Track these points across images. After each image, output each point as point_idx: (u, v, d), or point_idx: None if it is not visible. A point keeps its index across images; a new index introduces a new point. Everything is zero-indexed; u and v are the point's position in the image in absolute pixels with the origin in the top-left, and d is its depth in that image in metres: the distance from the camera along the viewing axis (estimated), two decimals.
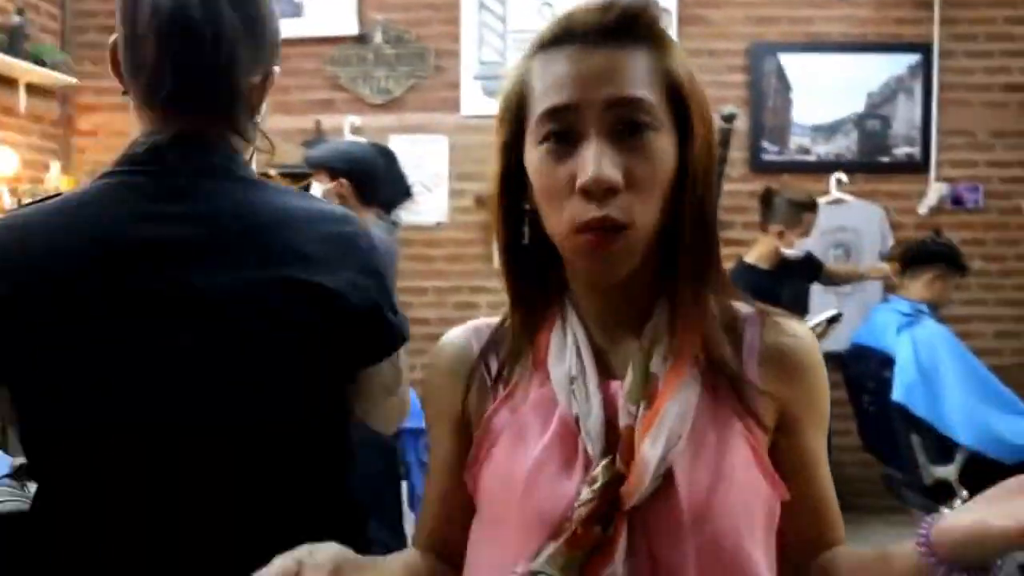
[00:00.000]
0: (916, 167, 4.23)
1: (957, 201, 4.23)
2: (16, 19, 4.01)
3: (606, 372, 0.77)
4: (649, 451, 0.70)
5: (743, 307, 0.81)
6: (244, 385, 0.95)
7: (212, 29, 1.01)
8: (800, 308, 3.37)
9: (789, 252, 3.40)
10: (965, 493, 2.77)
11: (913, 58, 4.19)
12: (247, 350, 0.95)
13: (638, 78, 0.71)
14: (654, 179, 0.71)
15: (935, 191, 4.18)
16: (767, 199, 3.45)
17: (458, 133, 4.28)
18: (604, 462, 0.71)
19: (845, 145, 4.24)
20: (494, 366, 0.82)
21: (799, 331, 0.81)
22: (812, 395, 0.80)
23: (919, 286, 3.39)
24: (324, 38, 4.36)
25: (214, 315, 0.94)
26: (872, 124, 4.23)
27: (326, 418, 1.01)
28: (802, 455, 0.80)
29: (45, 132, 4.39)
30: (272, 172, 4.18)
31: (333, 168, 2.97)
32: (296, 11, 4.38)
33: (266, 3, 1.13)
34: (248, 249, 0.97)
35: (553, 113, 0.71)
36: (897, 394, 2.90)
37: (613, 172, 0.69)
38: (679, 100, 0.74)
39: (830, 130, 4.24)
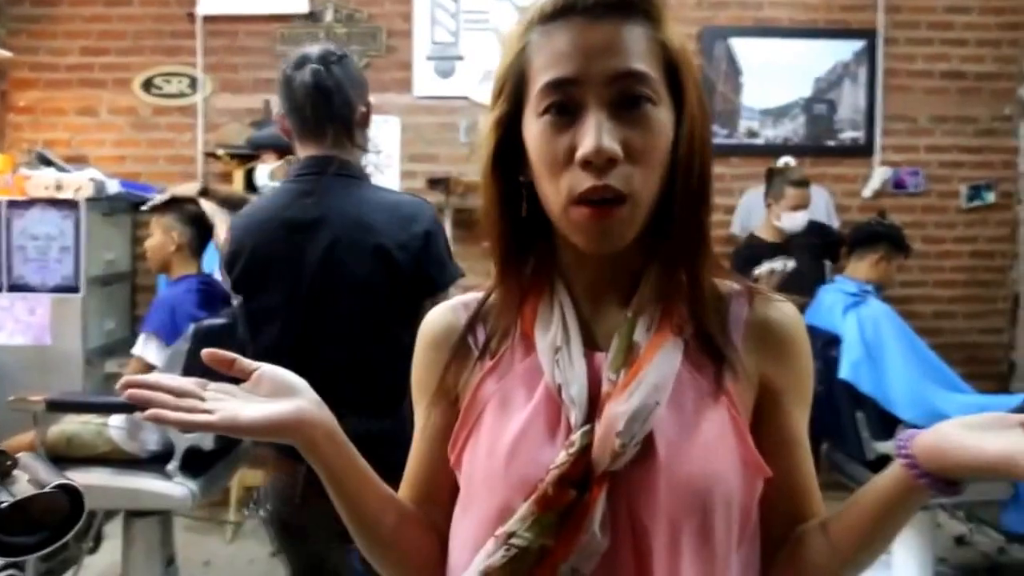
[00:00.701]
0: (861, 151, 4.33)
1: (899, 185, 4.34)
2: None
3: (592, 343, 0.78)
4: (616, 409, 0.71)
5: (731, 284, 0.82)
6: (351, 296, 1.69)
7: (335, 87, 1.73)
8: (804, 281, 3.43)
9: (784, 224, 3.55)
10: None
11: (858, 44, 4.27)
12: (346, 281, 1.68)
13: (638, 51, 0.72)
14: (653, 151, 0.72)
15: (879, 175, 4.29)
16: (768, 176, 3.68)
17: (410, 114, 4.24)
18: (583, 428, 0.72)
19: (792, 129, 4.31)
20: (481, 339, 0.82)
21: (785, 309, 0.82)
22: (795, 372, 0.81)
23: (865, 267, 3.47)
24: (273, 16, 4.27)
25: (322, 264, 1.68)
26: (819, 108, 4.31)
27: (395, 328, 1.66)
28: (782, 431, 0.80)
29: None
30: (220, 152, 4.11)
31: (279, 146, 2.97)
32: None
33: (356, 62, 1.87)
34: (341, 222, 1.68)
35: (555, 85, 0.72)
36: (843, 372, 2.97)
37: (613, 144, 0.70)
38: (675, 73, 0.74)
39: (778, 114, 4.31)
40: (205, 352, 0.76)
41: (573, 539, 0.71)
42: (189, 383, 0.73)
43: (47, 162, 3.91)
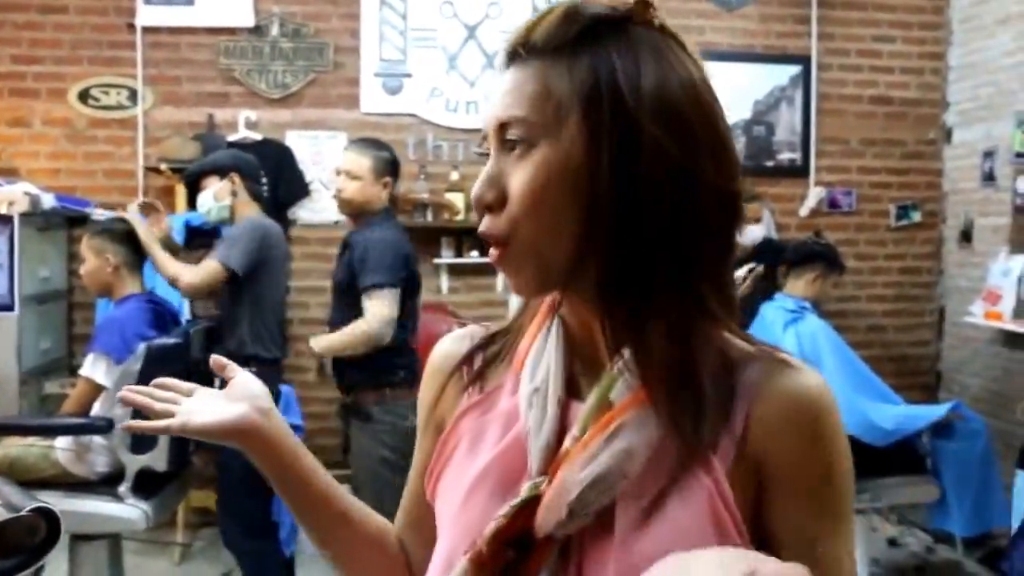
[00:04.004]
0: (798, 171, 4.50)
1: (833, 204, 4.52)
2: None
3: (577, 391, 0.71)
4: (573, 475, 0.64)
5: (746, 346, 0.71)
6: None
7: None
8: (766, 291, 3.52)
9: (743, 239, 3.61)
10: None
11: (794, 69, 4.45)
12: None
13: (520, 96, 0.68)
14: (532, 192, 0.66)
15: (814, 194, 4.46)
16: None
17: (357, 130, 4.22)
18: (533, 481, 0.67)
19: None
20: (476, 363, 0.79)
21: (805, 380, 0.69)
22: (808, 457, 0.67)
23: (802, 284, 3.60)
24: (217, 28, 4.21)
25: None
26: (758, 130, 4.46)
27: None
28: (786, 529, 0.67)
29: None
30: (163, 167, 4.02)
31: (220, 167, 2.96)
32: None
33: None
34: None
35: (484, 135, 0.73)
36: None
37: (481, 189, 0.70)
38: (568, 104, 0.67)
39: None
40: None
41: None
42: (183, 387, 0.85)
43: None
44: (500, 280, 4.29)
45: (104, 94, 4.21)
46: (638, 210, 0.65)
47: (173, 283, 2.81)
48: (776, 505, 0.67)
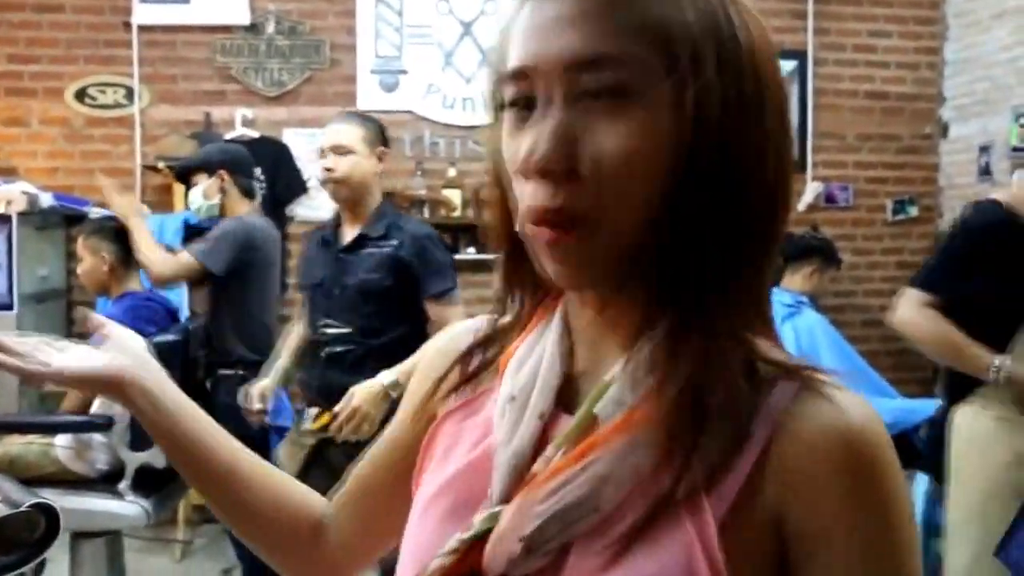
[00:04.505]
0: (795, 166, 4.49)
1: (830, 199, 4.53)
2: None
3: (569, 401, 0.59)
4: (529, 504, 0.54)
5: (781, 363, 0.56)
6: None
7: None
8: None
9: None
10: None
11: (790, 64, 4.45)
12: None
13: (615, 28, 0.52)
14: (631, 161, 0.52)
15: (811, 190, 4.47)
16: None
17: None
18: (492, 510, 0.56)
19: None
20: (473, 363, 0.68)
21: (853, 411, 0.53)
22: (849, 518, 0.51)
23: (799, 279, 3.62)
24: (213, 26, 4.21)
25: None
26: None
27: None
28: None
29: None
30: (160, 165, 4.02)
31: (208, 163, 2.94)
32: None
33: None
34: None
35: (511, 76, 0.56)
36: None
37: (571, 152, 0.52)
38: (679, 53, 0.53)
39: None
40: None
41: None
42: (42, 342, 0.78)
43: None
44: (497, 277, 4.28)
45: (101, 93, 4.21)
46: (721, 194, 0.53)
47: (144, 268, 2.76)
48: (810, 567, 0.52)
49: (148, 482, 2.51)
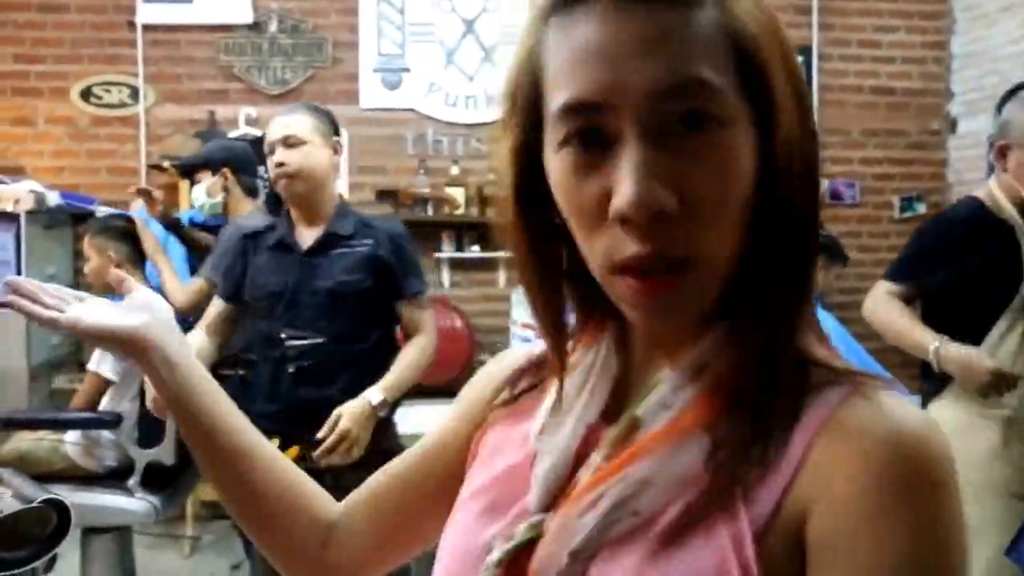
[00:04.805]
0: None
1: (835, 196, 4.52)
2: None
3: (616, 412, 0.57)
4: (572, 520, 0.52)
5: (834, 369, 0.53)
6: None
7: None
8: None
9: None
10: None
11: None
12: None
13: (699, 49, 0.48)
14: (727, 194, 0.50)
15: None
16: None
17: (356, 126, 4.23)
18: (534, 519, 0.55)
19: None
20: (523, 383, 0.67)
21: (907, 418, 0.49)
22: (879, 522, 0.46)
23: None
24: (216, 25, 4.22)
25: None
26: None
27: None
28: None
29: None
30: (165, 164, 4.03)
31: (212, 161, 2.96)
32: None
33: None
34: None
35: (574, 109, 0.50)
36: None
37: (663, 193, 0.48)
38: (752, 71, 0.50)
39: None
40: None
41: None
42: (67, 294, 0.75)
43: None
44: (502, 275, 4.30)
45: (106, 92, 4.23)
46: (801, 209, 0.52)
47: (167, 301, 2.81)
48: None
49: (156, 479, 2.52)
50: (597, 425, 0.57)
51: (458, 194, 4.17)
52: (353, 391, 1.99)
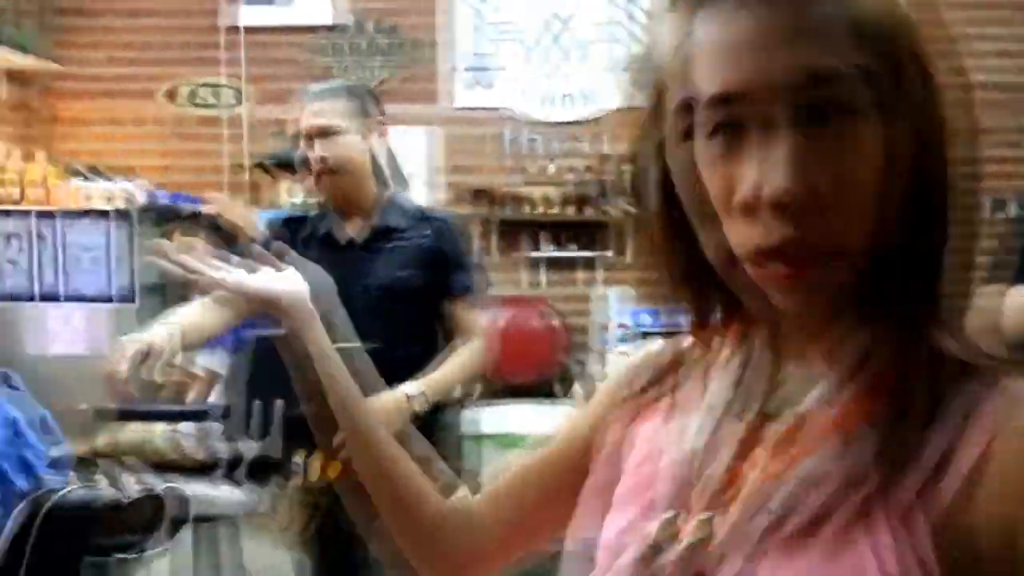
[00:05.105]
0: None
1: None
2: None
3: (774, 410, 0.58)
4: (744, 520, 0.53)
5: (965, 352, 0.53)
6: None
7: None
8: None
9: None
10: None
11: None
12: None
13: (843, 39, 0.49)
14: (866, 183, 0.50)
15: None
16: None
17: (444, 124, 4.27)
18: (702, 517, 0.55)
19: None
20: (668, 381, 0.67)
21: None
22: None
23: None
24: (314, 27, 4.31)
25: None
26: None
27: None
28: None
29: (27, 120, 4.27)
30: (263, 163, 4.14)
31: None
32: None
33: None
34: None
35: (723, 99, 0.51)
36: None
37: (814, 180, 0.49)
38: (889, 61, 0.50)
39: None
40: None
41: None
42: (222, 256, 0.85)
43: (94, 172, 3.94)
44: (599, 274, 4.27)
45: (207, 94, 4.37)
46: (938, 198, 0.52)
47: None
48: None
49: (263, 472, 2.58)
50: (755, 422, 0.57)
51: (554, 193, 4.16)
52: None
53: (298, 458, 1.85)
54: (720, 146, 0.52)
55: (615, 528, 0.61)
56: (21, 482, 1.22)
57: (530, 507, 0.73)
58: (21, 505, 1.14)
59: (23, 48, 3.96)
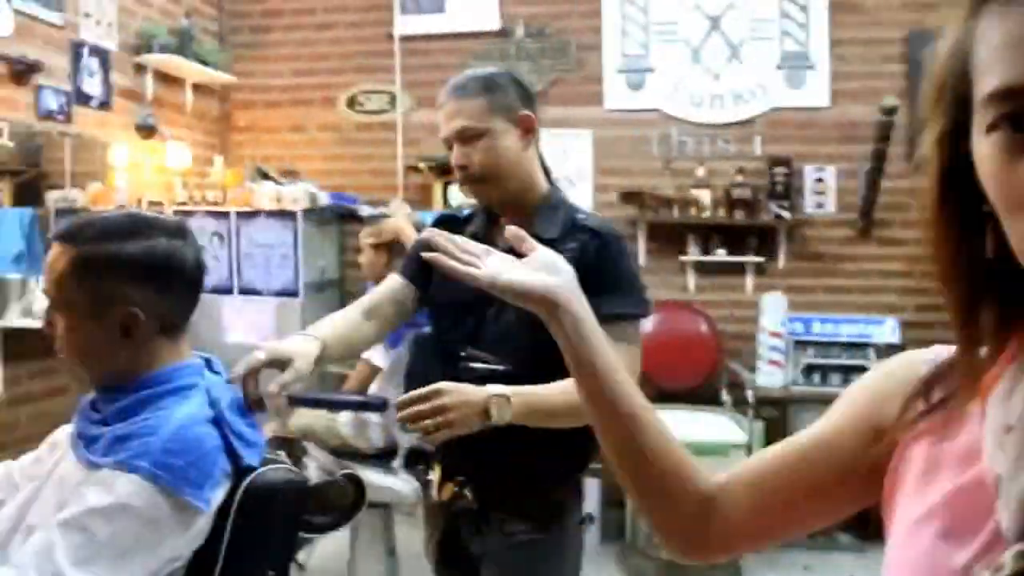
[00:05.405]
0: None
1: None
2: (184, 22, 4.24)
3: None
4: None
5: None
6: None
7: None
8: None
9: None
10: None
11: None
12: None
13: None
14: None
15: None
16: None
17: (601, 127, 4.28)
18: (1018, 547, 0.53)
19: None
20: (936, 394, 0.66)
21: None
22: None
23: None
24: (466, 33, 4.43)
25: None
26: None
27: None
28: None
29: (207, 129, 4.62)
30: (421, 166, 4.30)
31: None
32: (438, 6, 4.48)
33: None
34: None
35: (1006, 94, 0.51)
36: None
37: None
38: None
39: None
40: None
41: None
42: (477, 248, 0.83)
43: (265, 176, 4.23)
44: (749, 279, 4.16)
45: (368, 100, 4.58)
46: None
47: None
48: None
49: (419, 462, 2.68)
50: None
51: (704, 196, 4.09)
52: (534, 435, 1.48)
53: (433, 475, 1.74)
54: (1002, 141, 0.52)
55: (912, 556, 0.60)
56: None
57: (780, 497, 0.74)
58: (228, 484, 1.24)
59: (204, 62, 4.30)
